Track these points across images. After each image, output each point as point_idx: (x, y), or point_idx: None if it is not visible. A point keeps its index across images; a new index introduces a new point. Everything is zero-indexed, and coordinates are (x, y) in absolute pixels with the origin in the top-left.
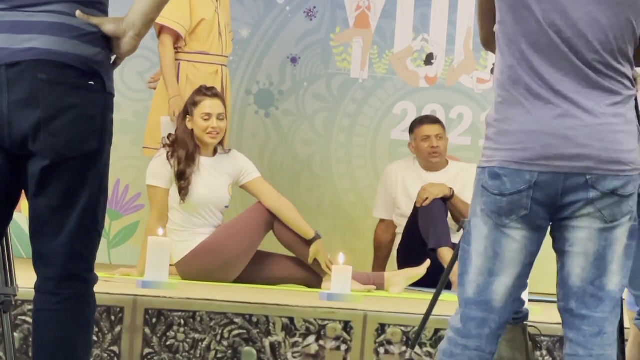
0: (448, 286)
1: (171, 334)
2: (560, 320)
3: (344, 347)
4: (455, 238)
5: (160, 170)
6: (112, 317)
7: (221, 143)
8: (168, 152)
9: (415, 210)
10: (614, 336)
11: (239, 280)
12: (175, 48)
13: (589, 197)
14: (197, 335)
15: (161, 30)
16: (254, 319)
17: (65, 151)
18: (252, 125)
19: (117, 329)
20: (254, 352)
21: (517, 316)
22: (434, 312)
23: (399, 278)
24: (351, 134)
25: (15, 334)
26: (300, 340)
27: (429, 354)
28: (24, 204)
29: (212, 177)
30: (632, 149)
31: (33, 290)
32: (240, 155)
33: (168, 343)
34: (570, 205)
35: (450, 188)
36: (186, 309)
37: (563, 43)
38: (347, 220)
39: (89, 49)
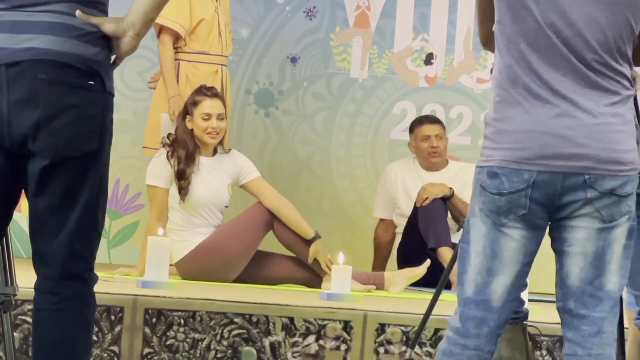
0: (448, 286)
1: (171, 334)
2: (560, 320)
3: (344, 347)
4: (455, 238)
5: (160, 170)
6: (112, 317)
7: (221, 143)
8: (168, 152)
9: (416, 210)
10: (613, 336)
11: (239, 280)
12: (175, 48)
13: (588, 197)
14: (197, 335)
15: (161, 30)
16: (254, 319)
17: (65, 151)
18: (252, 125)
19: (117, 329)
20: (254, 352)
21: (517, 316)
22: (434, 312)
23: (399, 278)
24: (351, 134)
25: (15, 334)
26: (300, 340)
27: (429, 354)
28: (24, 204)
29: (212, 177)
30: (630, 149)
31: (33, 290)
32: (240, 155)
33: (168, 343)
34: (569, 205)
35: (451, 188)
36: (186, 309)
37: (562, 43)
38: (347, 220)
39: (89, 49)
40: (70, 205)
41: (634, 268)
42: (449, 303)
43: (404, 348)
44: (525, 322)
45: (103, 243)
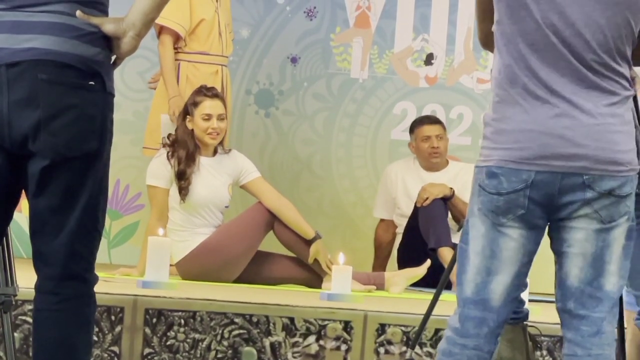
0: (448, 286)
1: (171, 334)
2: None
3: (344, 347)
4: (455, 238)
5: (160, 170)
6: (112, 317)
7: (221, 143)
8: (168, 152)
9: (416, 210)
10: (612, 336)
11: (239, 280)
12: (175, 48)
13: (586, 198)
14: (197, 335)
15: (161, 30)
16: (254, 319)
17: (65, 151)
18: (252, 125)
19: (117, 329)
20: (254, 352)
21: (517, 316)
22: (434, 312)
23: (399, 278)
24: (351, 134)
25: (15, 334)
26: (300, 340)
27: (429, 354)
28: (24, 204)
29: (212, 177)
30: (629, 149)
31: (33, 290)
32: (240, 155)
33: (168, 343)
34: (567, 206)
35: (451, 188)
36: (186, 309)
37: (561, 43)
38: (347, 220)
39: (89, 49)
40: (71, 205)
41: (634, 268)
42: (449, 303)
43: (404, 348)
44: (525, 322)
45: (103, 243)
